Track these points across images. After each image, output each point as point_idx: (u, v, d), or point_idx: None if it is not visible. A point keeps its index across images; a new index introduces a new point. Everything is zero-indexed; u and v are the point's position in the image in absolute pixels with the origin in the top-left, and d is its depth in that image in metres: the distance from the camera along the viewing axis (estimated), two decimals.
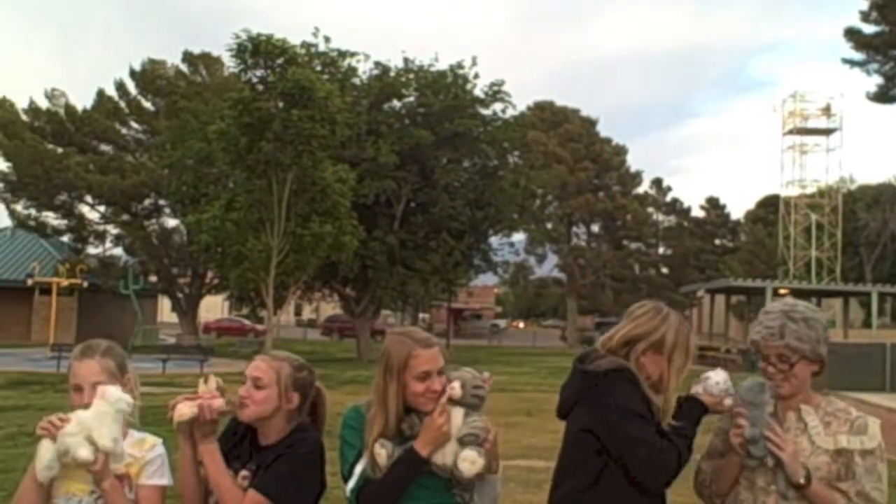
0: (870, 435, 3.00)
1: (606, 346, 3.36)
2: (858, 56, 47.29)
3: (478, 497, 3.25)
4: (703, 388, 3.27)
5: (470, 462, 3.12)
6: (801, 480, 2.92)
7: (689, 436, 3.19)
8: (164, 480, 3.30)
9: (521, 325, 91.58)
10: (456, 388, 3.18)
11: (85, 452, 3.04)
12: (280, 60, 28.67)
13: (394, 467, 3.15)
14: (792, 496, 2.98)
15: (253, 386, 3.32)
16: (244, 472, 3.25)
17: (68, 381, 3.32)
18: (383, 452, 3.15)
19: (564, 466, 3.34)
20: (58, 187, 42.55)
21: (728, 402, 3.21)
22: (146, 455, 3.28)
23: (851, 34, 46.74)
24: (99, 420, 3.09)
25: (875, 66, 46.95)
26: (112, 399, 3.12)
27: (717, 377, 3.28)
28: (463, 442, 3.14)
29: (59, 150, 43.95)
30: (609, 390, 3.22)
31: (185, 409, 3.23)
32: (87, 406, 3.17)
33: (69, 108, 45.36)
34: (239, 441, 3.38)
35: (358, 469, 3.19)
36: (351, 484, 3.18)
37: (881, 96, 47.82)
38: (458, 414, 3.18)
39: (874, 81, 48.10)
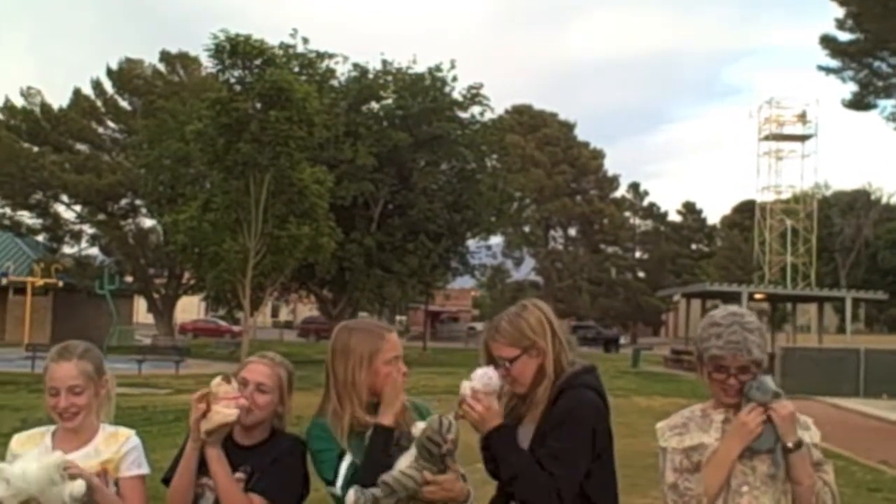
0: (814, 431, 3.11)
1: None
2: (834, 63, 47.50)
3: None
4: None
5: None
6: (790, 445, 2.94)
7: None
8: (144, 469, 3.28)
9: None
10: (417, 428, 3.09)
11: (79, 485, 2.98)
12: (258, 61, 28.59)
13: (368, 449, 3.10)
14: (777, 466, 2.96)
15: (256, 390, 3.28)
16: (239, 475, 3.20)
17: (43, 383, 3.26)
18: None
19: None
20: (33, 186, 42.30)
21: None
22: (122, 448, 3.25)
23: (827, 41, 46.93)
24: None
25: (850, 73, 47.16)
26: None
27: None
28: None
29: (35, 148, 43.69)
30: None
31: (229, 412, 3.11)
32: (64, 409, 3.15)
33: (45, 107, 45.08)
34: None
35: (342, 468, 3.12)
36: (339, 482, 3.10)
37: (856, 103, 48.05)
38: (408, 456, 3.08)
39: (849, 88, 48.25)
